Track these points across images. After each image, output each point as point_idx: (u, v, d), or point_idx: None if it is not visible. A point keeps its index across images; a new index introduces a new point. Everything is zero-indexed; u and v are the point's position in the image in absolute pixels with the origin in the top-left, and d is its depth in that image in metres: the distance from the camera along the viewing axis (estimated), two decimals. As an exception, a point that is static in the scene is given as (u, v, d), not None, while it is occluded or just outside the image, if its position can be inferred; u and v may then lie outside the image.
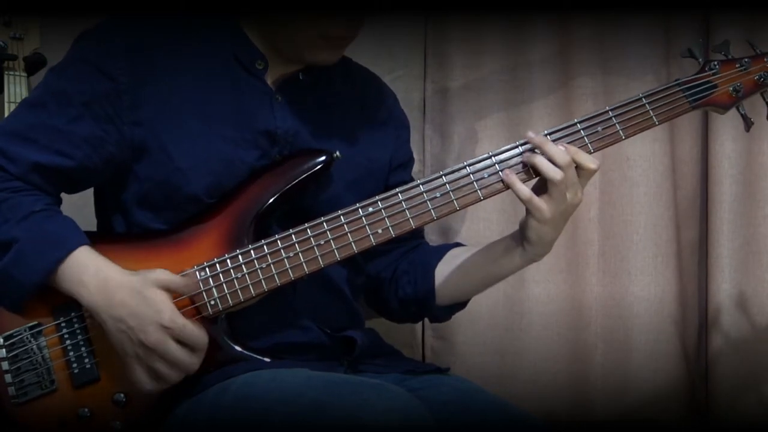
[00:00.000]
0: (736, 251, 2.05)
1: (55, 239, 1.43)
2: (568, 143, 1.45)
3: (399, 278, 1.65)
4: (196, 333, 1.40)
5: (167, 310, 1.38)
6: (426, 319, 2.06)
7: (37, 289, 1.42)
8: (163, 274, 1.41)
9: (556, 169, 1.42)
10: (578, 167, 1.44)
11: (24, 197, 1.45)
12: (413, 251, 1.68)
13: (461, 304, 1.67)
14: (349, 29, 1.50)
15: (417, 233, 1.68)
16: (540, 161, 1.43)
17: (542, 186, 1.45)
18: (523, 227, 1.49)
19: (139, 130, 1.47)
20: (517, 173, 1.45)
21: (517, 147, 1.47)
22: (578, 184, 1.44)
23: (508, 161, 1.46)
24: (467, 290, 1.64)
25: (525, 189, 1.44)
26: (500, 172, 1.45)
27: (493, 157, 1.46)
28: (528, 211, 1.46)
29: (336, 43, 1.51)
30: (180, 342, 1.39)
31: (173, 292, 1.41)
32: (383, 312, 1.75)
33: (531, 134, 1.46)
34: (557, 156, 1.42)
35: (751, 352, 2.05)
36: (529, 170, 1.45)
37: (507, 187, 1.45)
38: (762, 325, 2.04)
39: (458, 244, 1.67)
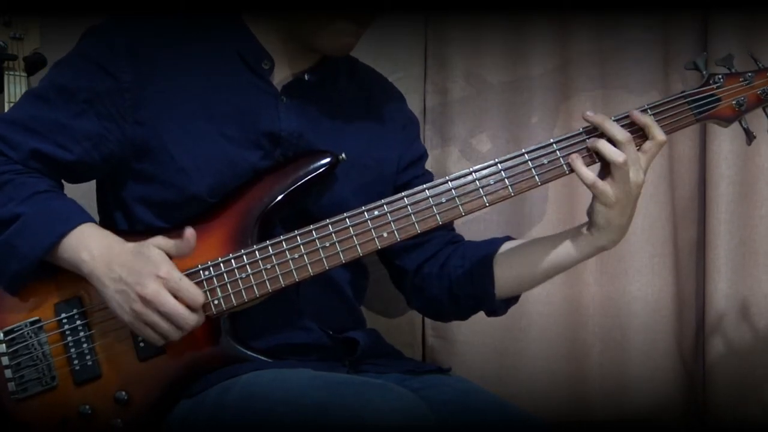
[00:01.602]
0: (733, 251, 2.05)
1: (61, 215, 1.43)
2: (574, 152, 1.46)
3: (451, 273, 1.62)
4: (193, 288, 1.38)
5: (164, 264, 1.38)
6: (426, 319, 2.07)
7: (38, 265, 1.41)
8: (161, 238, 1.41)
9: (618, 151, 1.42)
10: (648, 138, 1.45)
11: (27, 178, 1.46)
12: (457, 244, 1.66)
13: (516, 297, 1.64)
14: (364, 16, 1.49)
15: (447, 224, 1.62)
16: (602, 145, 1.44)
17: (606, 169, 1.45)
18: (591, 213, 1.48)
19: (142, 130, 1.48)
20: (582, 157, 1.45)
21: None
22: (639, 162, 1.44)
23: (514, 168, 1.46)
24: (529, 282, 1.61)
25: (588, 173, 1.44)
26: (561, 159, 1.45)
27: (499, 164, 1.47)
28: (594, 196, 1.46)
29: (351, 30, 1.49)
30: (177, 298, 1.37)
31: (172, 255, 1.40)
32: (430, 310, 1.73)
33: (589, 113, 1.47)
34: (617, 134, 1.43)
35: (748, 352, 2.05)
36: (593, 155, 1.45)
37: (511, 194, 1.45)
38: (759, 324, 2.05)
39: (509, 238, 1.64)
